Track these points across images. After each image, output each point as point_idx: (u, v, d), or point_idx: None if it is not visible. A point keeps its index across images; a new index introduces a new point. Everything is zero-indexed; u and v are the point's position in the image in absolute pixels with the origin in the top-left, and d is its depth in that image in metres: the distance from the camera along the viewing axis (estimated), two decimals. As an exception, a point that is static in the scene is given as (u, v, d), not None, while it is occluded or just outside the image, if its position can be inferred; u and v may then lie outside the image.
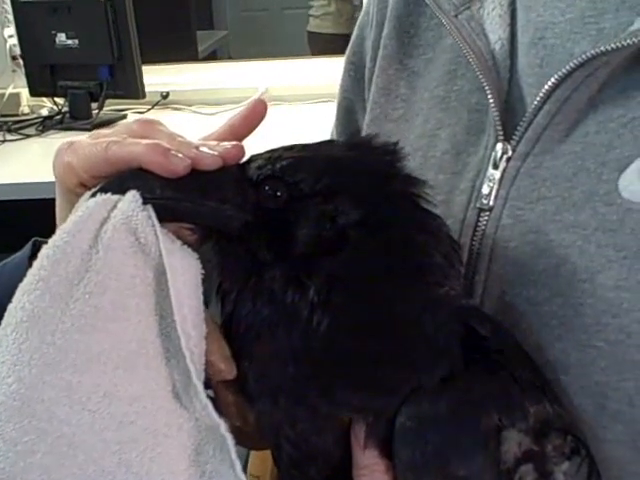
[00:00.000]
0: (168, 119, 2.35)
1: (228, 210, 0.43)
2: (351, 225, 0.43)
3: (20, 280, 0.40)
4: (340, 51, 0.85)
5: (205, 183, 0.43)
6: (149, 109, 2.35)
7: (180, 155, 0.42)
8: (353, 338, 0.42)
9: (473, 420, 0.41)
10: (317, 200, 0.43)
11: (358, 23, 0.69)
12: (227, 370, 0.44)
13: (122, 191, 0.41)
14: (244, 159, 0.45)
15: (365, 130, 0.63)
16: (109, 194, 0.41)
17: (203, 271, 0.43)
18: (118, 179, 0.42)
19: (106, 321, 0.39)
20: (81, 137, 0.45)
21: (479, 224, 0.52)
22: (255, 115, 0.49)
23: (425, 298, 0.43)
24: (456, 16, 0.55)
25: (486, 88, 0.53)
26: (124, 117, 2.29)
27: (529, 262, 0.49)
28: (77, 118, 2.22)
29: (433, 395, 0.42)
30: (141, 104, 2.33)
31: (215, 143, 0.45)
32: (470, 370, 0.43)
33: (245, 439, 0.49)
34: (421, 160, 0.58)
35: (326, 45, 3.37)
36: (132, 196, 0.41)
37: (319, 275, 0.42)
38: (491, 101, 0.52)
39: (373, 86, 0.62)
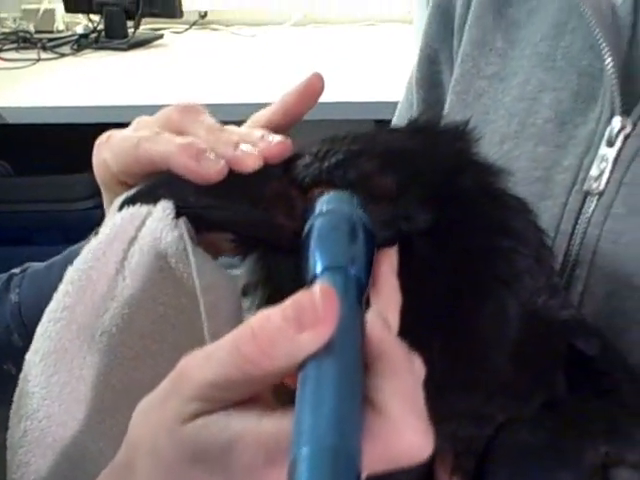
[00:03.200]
0: (206, 40, 2.24)
1: (278, 218, 0.37)
2: (417, 233, 0.36)
3: None
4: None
5: (246, 187, 0.37)
6: (187, 29, 2.25)
7: (213, 157, 0.37)
8: (436, 361, 0.36)
9: (576, 453, 0.36)
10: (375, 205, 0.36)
11: None
12: None
13: (152, 200, 0.37)
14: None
15: (452, 86, 0.54)
16: (137, 206, 0.37)
17: (242, 296, 0.38)
18: (147, 187, 0.37)
19: (137, 357, 0.35)
20: (121, 130, 0.41)
21: (584, 210, 0.45)
22: (311, 92, 0.42)
23: (520, 313, 0.37)
24: None
25: (603, 47, 0.44)
26: (160, 37, 2.19)
27: None
28: (113, 37, 2.14)
29: (532, 424, 0.36)
30: (178, 23, 2.23)
31: (259, 135, 0.39)
32: (573, 395, 0.37)
33: None
34: (517, 127, 0.50)
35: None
36: (162, 210, 0.36)
37: None
38: (609, 64, 0.44)
39: (465, 35, 0.54)
